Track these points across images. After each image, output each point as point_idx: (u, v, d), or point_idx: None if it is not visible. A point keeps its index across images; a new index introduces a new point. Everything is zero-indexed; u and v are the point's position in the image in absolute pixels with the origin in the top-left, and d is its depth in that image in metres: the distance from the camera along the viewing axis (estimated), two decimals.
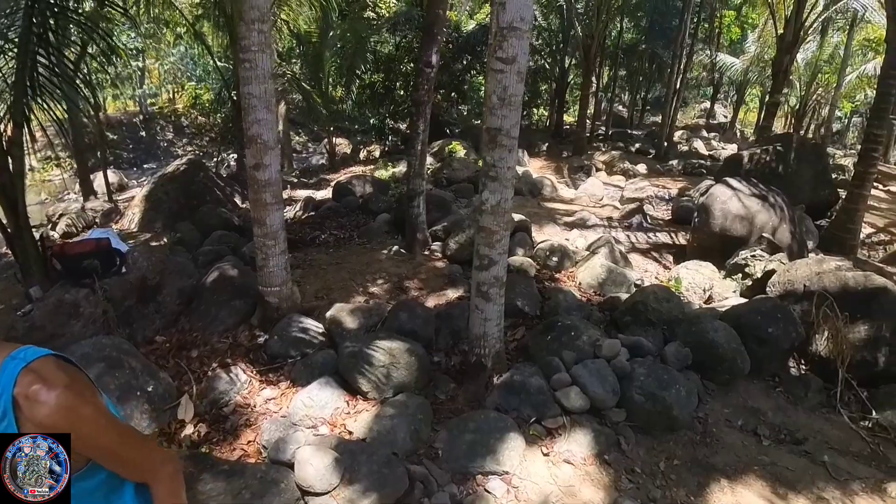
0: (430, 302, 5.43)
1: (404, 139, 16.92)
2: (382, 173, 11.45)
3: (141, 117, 20.57)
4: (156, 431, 3.54)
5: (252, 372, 4.20)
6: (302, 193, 10.90)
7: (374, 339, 3.94)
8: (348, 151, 17.53)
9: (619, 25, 19.50)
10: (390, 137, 16.10)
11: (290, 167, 15.85)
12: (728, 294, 5.92)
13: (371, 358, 3.81)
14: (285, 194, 10.91)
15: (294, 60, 14.49)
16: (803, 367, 4.62)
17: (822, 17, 13.77)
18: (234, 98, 10.13)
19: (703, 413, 3.98)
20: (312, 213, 9.19)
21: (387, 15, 12.89)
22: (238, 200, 10.09)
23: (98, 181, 12.55)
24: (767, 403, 4.20)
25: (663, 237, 8.06)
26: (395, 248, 6.78)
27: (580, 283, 5.78)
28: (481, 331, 3.78)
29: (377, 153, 15.61)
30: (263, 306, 4.83)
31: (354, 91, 15.07)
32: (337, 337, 4.53)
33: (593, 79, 17.54)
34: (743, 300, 5.50)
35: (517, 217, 7.00)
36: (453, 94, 15.45)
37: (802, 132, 21.51)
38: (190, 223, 7.93)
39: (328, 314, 4.74)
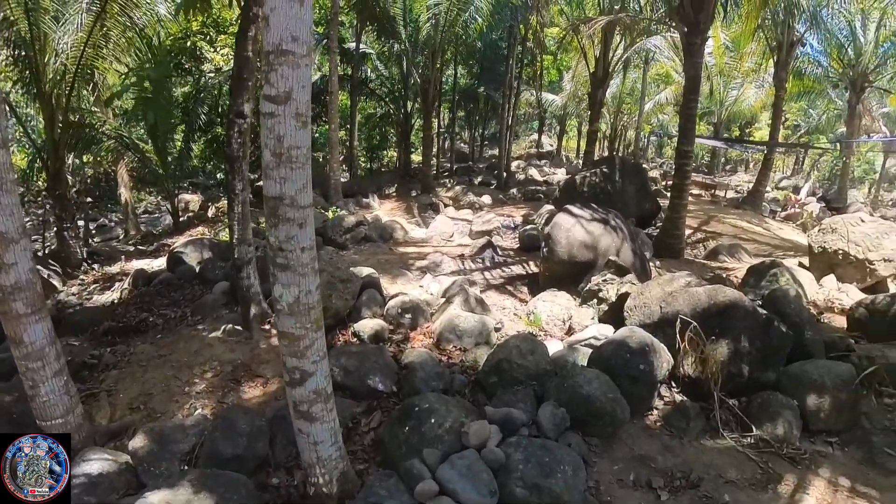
0: (273, 393, 4.20)
1: (255, 193, 15.28)
2: (226, 234, 9.85)
3: None
4: None
5: None
6: (137, 264, 8.96)
7: (159, 489, 2.62)
8: (195, 209, 15.40)
9: (454, 71, 19.67)
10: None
11: (135, 233, 13.44)
12: (587, 322, 5.37)
13: None
14: (117, 267, 8.91)
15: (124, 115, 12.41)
16: (675, 390, 4.11)
17: (624, 57, 14.73)
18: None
19: (594, 481, 3.22)
20: (144, 289, 7.41)
21: (224, 67, 11.37)
22: (57, 283, 7.96)
23: None
24: (654, 446, 3.59)
25: (516, 268, 7.48)
26: (230, 326, 5.39)
27: (438, 340, 4.86)
28: (313, 457, 2.66)
29: (212, 211, 13.75)
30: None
31: (197, 145, 13.25)
32: (143, 475, 3.18)
33: (434, 120, 17.38)
34: (604, 327, 4.95)
35: (366, 271, 5.96)
36: None
37: (616, 153, 23.38)
38: None
39: (129, 445, 3.33)
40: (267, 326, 5.34)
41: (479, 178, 18.02)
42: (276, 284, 2.36)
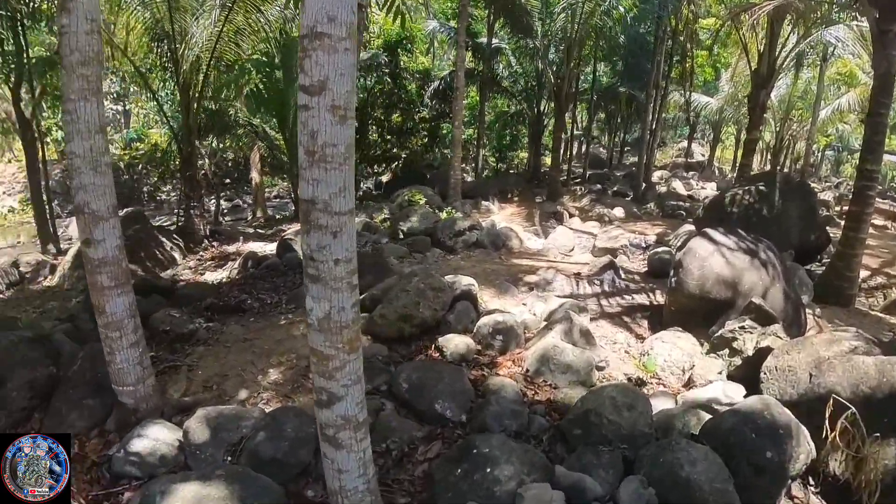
0: None
1: (379, 185, 15.78)
2: None
3: (123, 162, 19.49)
4: None
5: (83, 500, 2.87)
6: (252, 247, 9.60)
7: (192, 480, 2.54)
8: None
9: (594, 68, 18.60)
10: (363, 184, 14.94)
11: (261, 216, 14.60)
12: (712, 376, 4.51)
13: None
14: (234, 247, 9.62)
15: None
16: (813, 490, 3.22)
17: (796, 51, 12.67)
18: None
19: None
20: (251, 272, 7.86)
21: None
22: (178, 256, 8.79)
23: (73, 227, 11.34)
24: None
25: (639, 297, 6.64)
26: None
27: (528, 371, 4.36)
28: (336, 485, 2.39)
29: None
30: (119, 408, 3.65)
31: None
32: (190, 457, 3.25)
33: (569, 121, 16.56)
34: (732, 387, 4.10)
35: (464, 281, 5.61)
36: (427, 138, 14.39)
37: (779, 168, 20.44)
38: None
39: (185, 425, 3.39)
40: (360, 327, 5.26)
41: (615, 188, 16.81)
42: (307, 296, 2.13)
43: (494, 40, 15.39)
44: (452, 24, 15.11)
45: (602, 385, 3.98)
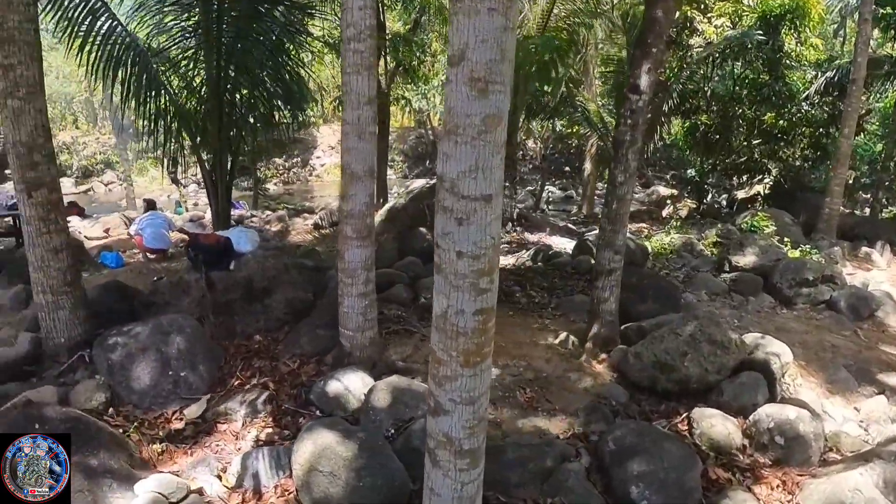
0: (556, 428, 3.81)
1: (732, 203, 13.94)
2: (661, 238, 9.42)
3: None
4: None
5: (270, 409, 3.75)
6: (553, 241, 9.82)
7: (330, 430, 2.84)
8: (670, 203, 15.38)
9: None
10: (709, 196, 13.47)
11: (585, 210, 14.72)
12: None
13: None
14: (536, 237, 10.01)
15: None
16: None
17: None
18: None
19: None
20: (537, 266, 8.04)
21: (715, 40, 10.42)
22: None
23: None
24: None
25: None
26: (567, 336, 5.15)
27: None
28: None
29: (684, 212, 13.12)
30: (338, 347, 4.26)
31: (677, 131, 13.05)
32: (363, 415, 3.59)
33: None
34: None
35: (771, 347, 4.38)
36: (809, 149, 11.88)
37: None
38: (396, 243, 7.80)
39: (373, 385, 3.74)
40: (603, 357, 4.84)
41: None
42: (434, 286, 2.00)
43: None
44: None
45: None
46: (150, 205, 8.50)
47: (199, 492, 2.94)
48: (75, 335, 4.11)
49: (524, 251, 8.99)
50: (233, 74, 6.19)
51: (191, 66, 6.26)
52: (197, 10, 5.86)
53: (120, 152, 16.38)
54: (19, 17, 3.49)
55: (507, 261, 8.43)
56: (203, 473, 3.10)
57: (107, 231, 9.77)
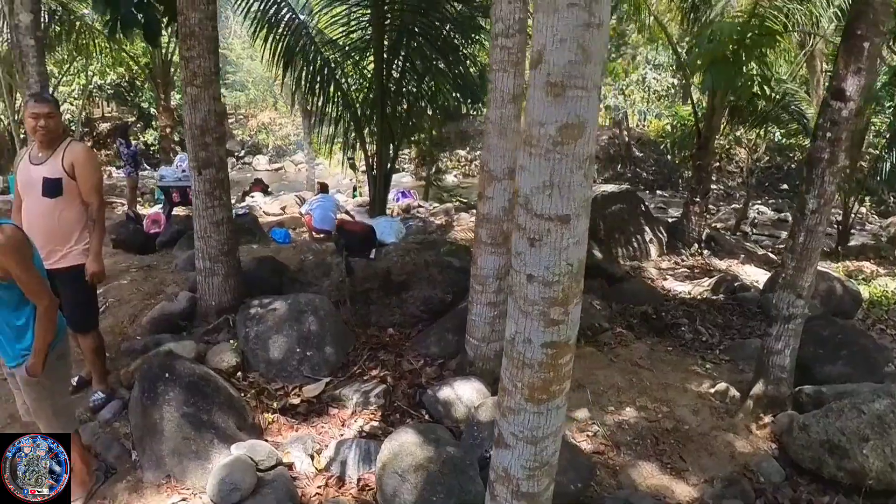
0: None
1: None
2: (885, 284, 7.93)
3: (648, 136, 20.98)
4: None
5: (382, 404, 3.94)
6: (744, 271, 8.76)
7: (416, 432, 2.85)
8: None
9: None
10: None
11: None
12: None
13: None
14: (724, 263, 9.05)
15: None
16: None
17: None
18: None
19: None
20: (717, 299, 7.21)
21: None
22: (654, 250, 9.03)
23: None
24: None
25: None
26: (727, 388, 4.51)
27: None
28: None
29: None
30: (463, 353, 4.32)
31: None
32: (465, 426, 3.59)
33: None
34: None
35: None
36: None
37: None
38: None
39: (482, 401, 3.70)
40: (765, 421, 4.21)
41: None
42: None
43: None
44: None
45: None
46: (323, 188, 9.35)
47: (289, 466, 3.19)
48: (224, 300, 4.67)
49: (706, 279, 8.18)
50: (399, 67, 6.51)
51: (359, 57, 6.71)
52: (366, 1, 6.23)
53: (304, 135, 18.21)
54: (200, 14, 4.06)
55: (680, 287, 7.77)
56: (299, 450, 3.34)
57: (283, 209, 11.00)
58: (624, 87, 15.33)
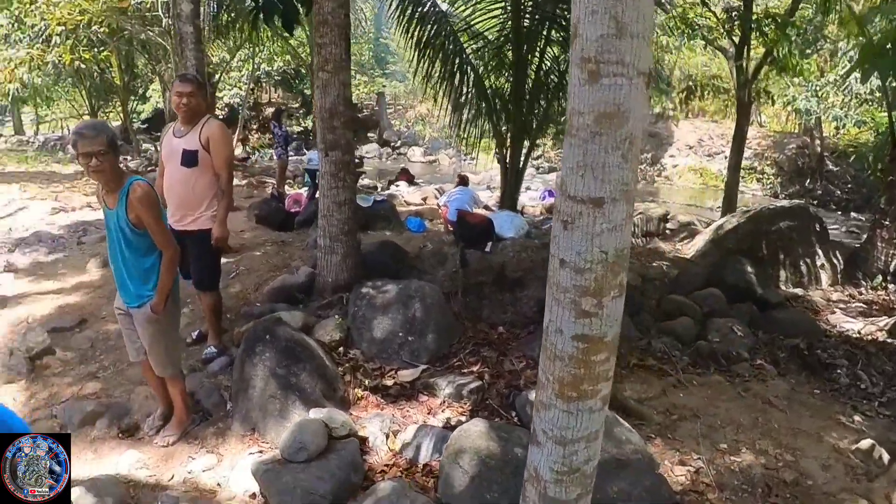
0: None
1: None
2: None
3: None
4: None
5: (474, 400, 4.01)
6: None
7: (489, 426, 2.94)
8: None
9: None
10: None
11: None
12: None
13: None
14: None
15: None
16: None
17: None
18: None
19: None
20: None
21: None
22: (825, 277, 8.04)
23: None
24: None
25: None
26: (874, 446, 3.91)
27: None
28: None
29: None
30: None
31: None
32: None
33: None
34: None
35: None
36: None
37: None
38: (709, 269, 7.10)
39: None
40: None
41: None
42: None
43: None
44: None
45: None
46: (463, 180, 9.60)
47: (362, 439, 3.38)
48: (341, 279, 5.03)
49: (885, 318, 7.15)
50: (537, 58, 6.50)
51: (495, 48, 6.78)
52: None
53: (451, 128, 18.81)
54: (333, 3, 4.42)
55: (849, 323, 6.87)
56: (376, 427, 3.53)
57: (424, 199, 11.47)
58: (818, 89, 13.68)
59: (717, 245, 7.50)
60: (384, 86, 29.26)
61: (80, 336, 4.68)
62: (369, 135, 27.73)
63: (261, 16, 5.42)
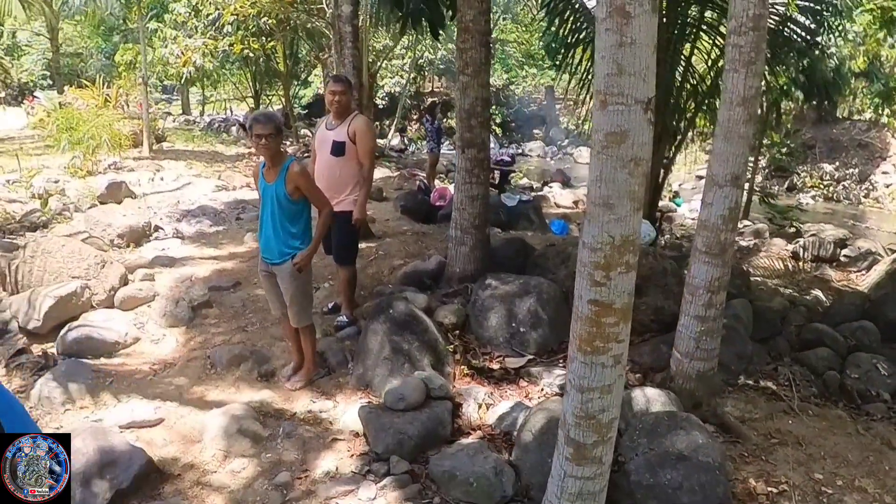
0: None
1: None
2: None
3: None
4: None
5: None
6: None
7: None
8: None
9: None
10: None
11: None
12: None
13: None
14: None
15: None
16: None
17: None
18: None
19: None
20: None
21: None
22: None
23: None
24: None
25: None
26: None
27: None
28: None
29: None
30: (668, 368, 4.67)
31: None
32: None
33: None
34: None
35: None
36: None
37: None
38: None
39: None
40: None
41: None
42: None
43: None
44: None
45: None
46: None
47: (457, 405, 4.19)
48: (468, 269, 5.85)
49: None
50: (683, 61, 6.83)
51: None
52: None
53: None
54: (474, 11, 5.25)
55: None
56: (472, 397, 4.32)
57: (575, 203, 12.02)
58: None
59: (894, 279, 7.17)
60: (553, 79, 29.58)
61: (233, 296, 6.04)
62: (535, 131, 28.25)
63: (409, 20, 6.42)
